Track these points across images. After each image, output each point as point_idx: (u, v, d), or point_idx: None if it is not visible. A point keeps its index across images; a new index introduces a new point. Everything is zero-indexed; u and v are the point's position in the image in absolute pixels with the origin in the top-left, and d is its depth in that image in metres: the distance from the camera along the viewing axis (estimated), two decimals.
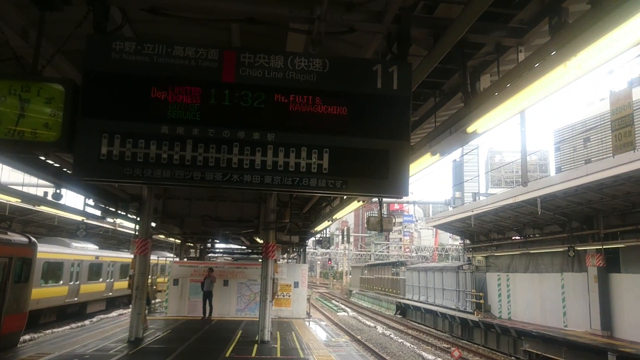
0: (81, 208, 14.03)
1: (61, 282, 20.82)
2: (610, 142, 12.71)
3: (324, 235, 25.54)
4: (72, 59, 5.72)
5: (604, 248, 15.81)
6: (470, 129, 4.70)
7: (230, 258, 30.76)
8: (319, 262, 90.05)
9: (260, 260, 16.29)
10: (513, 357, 18.48)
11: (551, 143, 19.91)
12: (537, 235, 19.96)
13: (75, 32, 4.50)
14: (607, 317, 15.81)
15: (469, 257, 26.27)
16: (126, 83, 3.78)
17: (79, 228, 17.88)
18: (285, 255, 31.98)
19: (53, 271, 20.18)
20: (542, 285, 19.54)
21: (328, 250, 62.78)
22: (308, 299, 19.94)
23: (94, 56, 3.78)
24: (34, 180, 13.98)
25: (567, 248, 17.18)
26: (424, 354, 17.81)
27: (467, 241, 26.82)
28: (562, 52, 3.33)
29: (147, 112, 3.76)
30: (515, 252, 21.47)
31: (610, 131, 12.66)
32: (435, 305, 27.22)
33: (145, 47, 3.84)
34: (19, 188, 14.43)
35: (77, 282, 22.37)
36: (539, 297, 19.70)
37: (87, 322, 20.50)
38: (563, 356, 15.43)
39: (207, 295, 17.36)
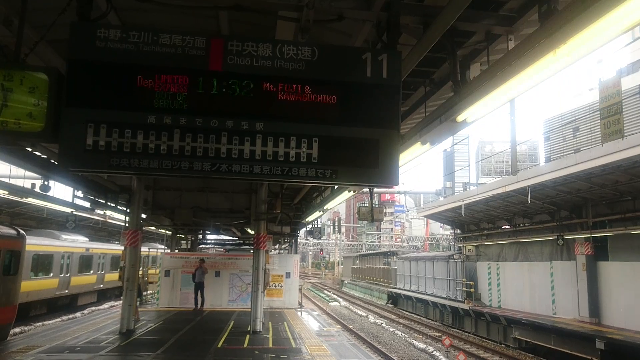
0: (70, 200, 13.87)
1: (51, 274, 20.70)
2: (599, 132, 12.81)
3: (315, 226, 25.55)
4: (57, 48, 5.63)
5: (593, 236, 15.98)
6: (460, 118, 4.69)
7: (221, 249, 30.74)
8: (310, 253, 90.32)
9: (251, 251, 16.28)
10: (503, 345, 18.69)
11: (541, 133, 19.96)
12: (526, 225, 20.13)
13: (59, 20, 4.42)
14: (595, 304, 16.01)
15: (459, 247, 26.46)
16: (112, 71, 3.71)
17: (68, 220, 17.75)
18: (276, 246, 32.01)
19: (43, 263, 20.05)
20: (531, 273, 19.73)
21: (319, 241, 62.96)
22: (300, 289, 20.00)
23: (78, 44, 3.71)
24: (21, 172, 13.80)
25: (556, 237, 17.34)
26: (415, 343, 17.97)
27: (458, 231, 26.99)
28: (552, 39, 3.31)
29: (133, 101, 3.70)
30: (505, 241, 21.64)
31: (599, 121, 12.76)
32: (426, 295, 27.42)
33: (131, 34, 3.78)
34: (6, 180, 14.23)
35: (68, 275, 22.25)
36: (528, 285, 19.90)
37: (78, 314, 20.43)
38: (552, 343, 15.63)
39: (199, 287, 17.36)
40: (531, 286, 19.69)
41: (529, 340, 16.99)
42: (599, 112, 12.59)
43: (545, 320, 16.53)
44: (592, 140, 15.85)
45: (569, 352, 14.73)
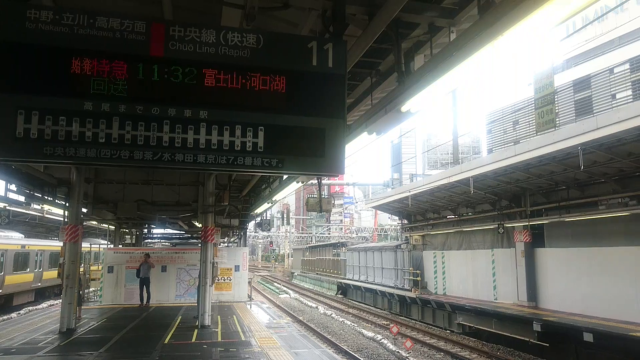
0: (2, 194, 13.08)
1: None
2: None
3: (265, 218, 25.42)
4: None
5: (530, 224, 16.77)
6: (404, 108, 4.78)
7: (168, 243, 30.01)
8: (260, 246, 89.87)
9: (199, 244, 16.01)
10: (448, 331, 19.35)
11: (484, 126, 20.67)
12: (469, 214, 20.85)
13: None
14: (532, 289, 16.85)
15: (406, 237, 27.07)
16: (43, 55, 3.51)
17: (0, 215, 16.75)
18: (225, 239, 31.61)
19: None
20: (474, 261, 20.49)
21: (269, 233, 62.76)
22: (249, 283, 19.87)
23: (6, 25, 3.49)
24: None
25: (497, 225, 18.09)
26: (364, 332, 18.28)
27: (405, 221, 27.60)
28: (490, 31, 3.43)
29: (67, 87, 3.53)
30: (449, 230, 22.35)
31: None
32: (375, 284, 27.92)
33: (65, 16, 3.59)
34: None
35: (1, 273, 21.07)
36: (471, 272, 20.66)
37: (13, 314, 19.37)
38: (493, 327, 16.33)
39: (144, 282, 16.87)
40: (474, 273, 20.45)
41: (472, 325, 17.68)
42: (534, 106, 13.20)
43: (487, 306, 17.23)
44: (530, 132, 16.58)
45: (509, 335, 15.44)
